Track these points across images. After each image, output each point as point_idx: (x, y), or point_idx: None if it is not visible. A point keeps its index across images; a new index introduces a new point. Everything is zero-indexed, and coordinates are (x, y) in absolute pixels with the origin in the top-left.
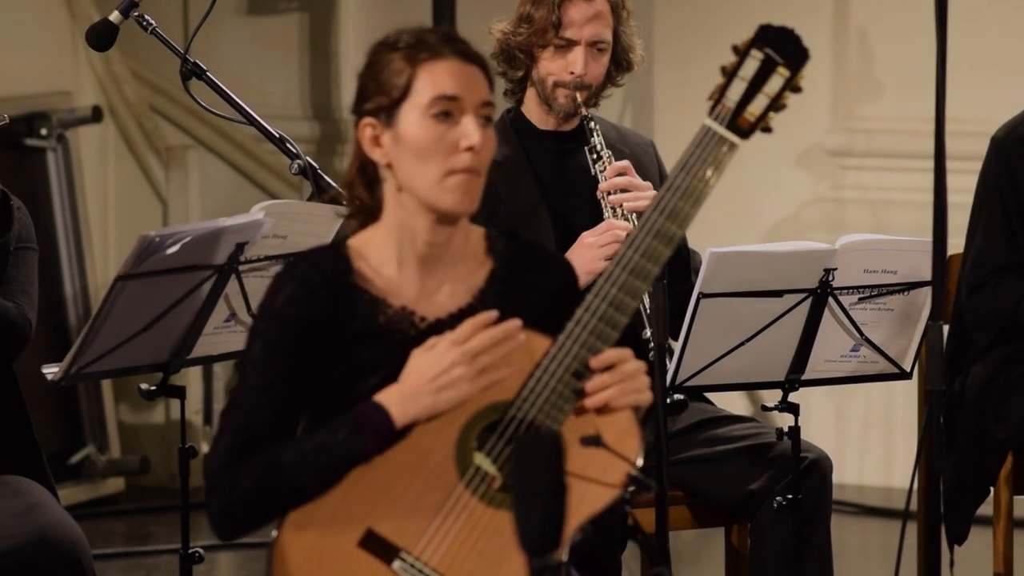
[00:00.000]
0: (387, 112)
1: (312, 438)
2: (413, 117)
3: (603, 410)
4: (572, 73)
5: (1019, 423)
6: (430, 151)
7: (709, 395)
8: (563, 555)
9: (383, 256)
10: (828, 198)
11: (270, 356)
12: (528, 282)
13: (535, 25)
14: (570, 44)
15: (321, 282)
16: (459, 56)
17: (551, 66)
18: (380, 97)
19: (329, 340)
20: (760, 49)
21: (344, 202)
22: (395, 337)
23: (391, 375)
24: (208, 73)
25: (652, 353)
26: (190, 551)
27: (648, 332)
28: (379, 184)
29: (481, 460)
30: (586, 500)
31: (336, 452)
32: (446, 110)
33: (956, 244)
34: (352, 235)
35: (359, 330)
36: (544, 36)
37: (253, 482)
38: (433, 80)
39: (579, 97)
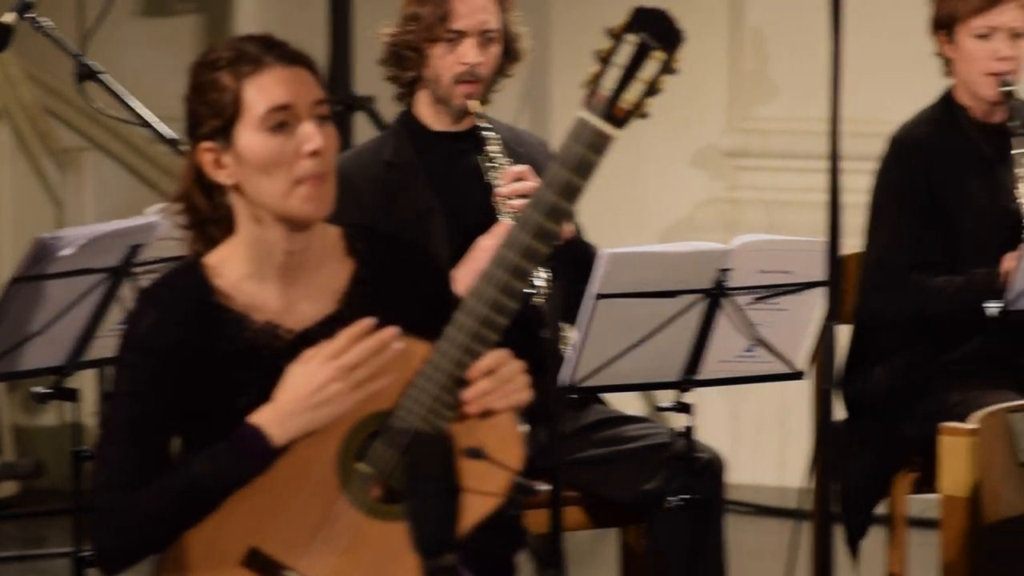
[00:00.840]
0: (223, 133)
1: (194, 466)
2: (249, 134)
3: (484, 415)
4: (465, 64)
5: (929, 423)
6: (273, 165)
7: (604, 395)
8: (456, 557)
9: (241, 272)
10: (723, 199)
11: (140, 386)
12: (393, 279)
13: (423, 22)
14: (460, 36)
15: (182, 304)
16: (283, 61)
17: (444, 62)
18: (213, 120)
19: (197, 362)
20: (635, 33)
21: (181, 218)
22: (262, 352)
23: (264, 392)
24: (103, 74)
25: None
26: (83, 554)
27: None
28: (218, 191)
29: (364, 471)
30: (471, 508)
31: (220, 479)
32: (281, 120)
33: (851, 244)
34: (204, 253)
35: (226, 349)
36: (433, 31)
37: (141, 517)
38: (262, 93)
39: (472, 90)
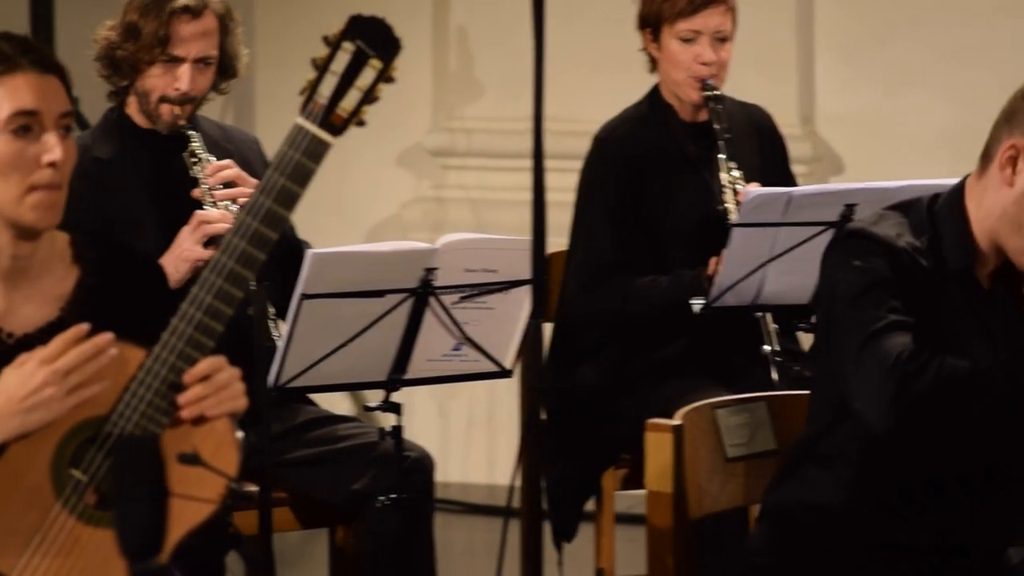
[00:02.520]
0: None
1: None
2: None
3: (199, 421)
4: (178, 89)
5: (637, 420)
6: (10, 168)
7: (313, 396)
8: (165, 559)
9: None
10: (429, 198)
11: None
12: (117, 287)
13: (142, 40)
14: (177, 60)
15: None
16: (36, 67)
17: (157, 81)
18: None
19: None
20: (352, 41)
21: None
22: None
23: None
24: None
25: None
26: None
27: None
28: None
29: (78, 477)
30: (185, 514)
31: None
32: (26, 125)
33: (556, 243)
34: None
35: None
36: (151, 52)
37: None
38: (11, 95)
39: (178, 111)
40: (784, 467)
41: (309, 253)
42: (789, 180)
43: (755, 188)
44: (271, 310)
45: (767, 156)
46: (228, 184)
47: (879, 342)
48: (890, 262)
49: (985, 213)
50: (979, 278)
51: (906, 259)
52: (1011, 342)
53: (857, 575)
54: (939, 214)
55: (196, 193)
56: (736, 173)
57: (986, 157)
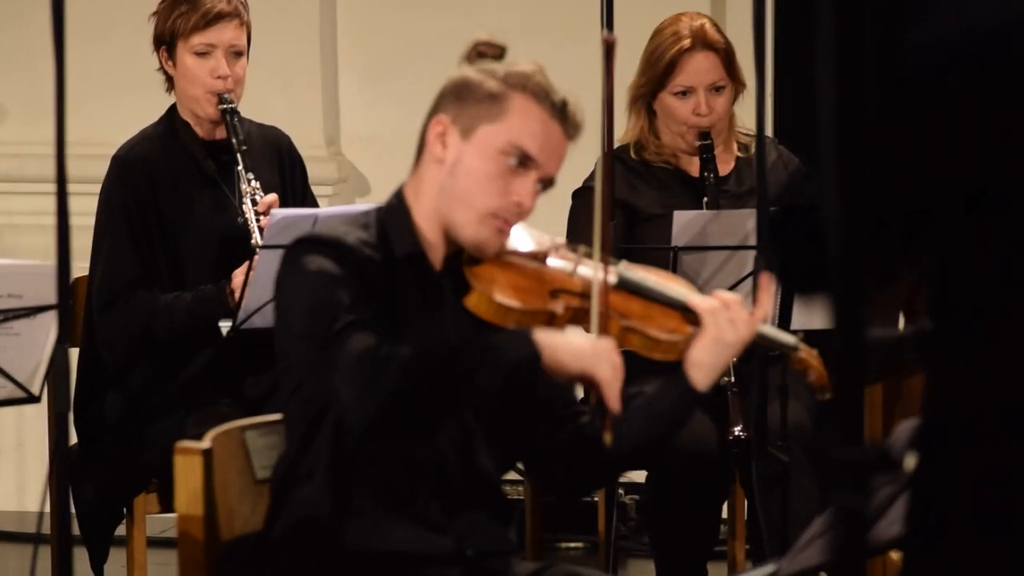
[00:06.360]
0: None
1: None
2: None
3: None
4: None
5: (164, 447)
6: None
7: None
8: None
9: None
10: None
11: None
12: None
13: None
14: None
15: None
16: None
17: None
18: None
19: None
20: None
21: None
22: None
23: None
24: None
25: None
26: None
27: None
28: None
29: None
30: None
31: None
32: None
33: (81, 267)
34: None
35: None
36: None
37: None
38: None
39: None
40: (273, 499)
41: None
42: (310, 201)
43: (280, 210)
44: None
45: (287, 177)
46: None
47: (340, 346)
48: (340, 259)
49: (424, 197)
50: (432, 265)
51: (358, 254)
52: (458, 328)
53: None
54: (384, 212)
55: None
56: (255, 184)
57: (419, 149)
